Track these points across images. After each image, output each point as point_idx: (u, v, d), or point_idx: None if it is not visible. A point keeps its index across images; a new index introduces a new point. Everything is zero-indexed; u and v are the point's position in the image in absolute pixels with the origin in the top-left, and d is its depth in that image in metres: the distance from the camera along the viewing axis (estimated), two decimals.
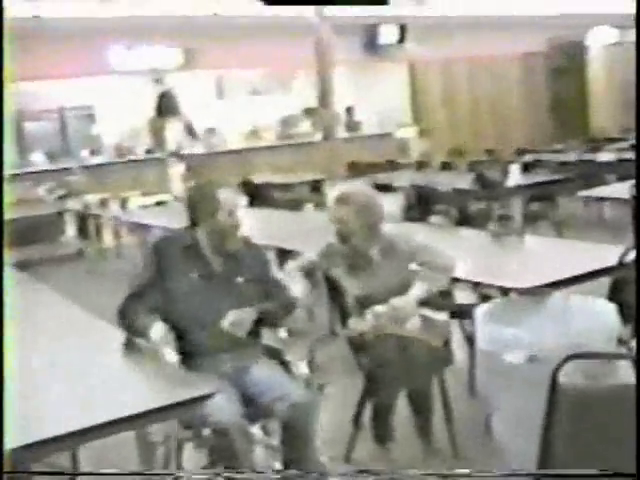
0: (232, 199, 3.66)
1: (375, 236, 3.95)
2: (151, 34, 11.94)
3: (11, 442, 2.40)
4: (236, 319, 3.44)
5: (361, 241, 3.92)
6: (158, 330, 3.32)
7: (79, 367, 3.23)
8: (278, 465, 3.36)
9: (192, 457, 3.35)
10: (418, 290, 3.79)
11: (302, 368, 3.57)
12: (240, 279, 3.61)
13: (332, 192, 4.01)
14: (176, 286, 3.52)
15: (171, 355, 3.27)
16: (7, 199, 10.55)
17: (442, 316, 3.79)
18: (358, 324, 3.82)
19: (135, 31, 11.68)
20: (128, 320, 3.42)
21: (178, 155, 11.47)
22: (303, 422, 3.29)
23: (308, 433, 3.31)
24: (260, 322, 3.58)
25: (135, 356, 3.33)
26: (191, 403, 2.81)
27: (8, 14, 9.45)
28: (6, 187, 10.73)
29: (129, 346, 3.37)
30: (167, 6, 10.89)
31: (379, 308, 3.77)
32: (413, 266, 3.94)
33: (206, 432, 3.20)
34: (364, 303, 3.85)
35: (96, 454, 3.52)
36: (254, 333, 3.56)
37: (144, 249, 3.70)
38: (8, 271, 5.89)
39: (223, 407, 3.14)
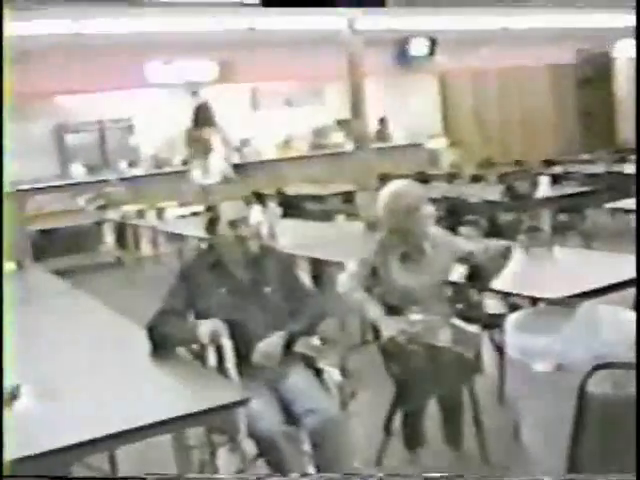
0: (233, 211, 3.69)
1: (426, 231, 3.98)
2: (188, 48, 12.04)
3: (46, 443, 2.44)
4: (265, 351, 3.46)
5: (415, 234, 3.95)
6: (208, 326, 3.36)
7: (117, 371, 3.28)
8: (312, 469, 3.37)
9: (227, 461, 3.38)
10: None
11: (335, 375, 3.59)
12: (268, 289, 3.64)
13: (387, 187, 4.02)
14: (207, 304, 3.55)
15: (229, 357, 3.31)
16: (48, 209, 10.76)
17: (474, 328, 3.79)
18: (391, 331, 3.81)
19: (172, 46, 11.77)
20: (163, 334, 3.46)
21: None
22: (333, 436, 3.29)
23: (338, 444, 3.31)
24: (291, 342, 3.60)
25: (170, 362, 3.37)
26: (228, 408, 2.85)
27: (50, 30, 9.61)
28: (48, 198, 10.92)
29: (157, 354, 3.42)
30: (204, 21, 10.97)
31: (415, 316, 3.79)
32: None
33: (241, 437, 3.23)
34: (409, 299, 3.86)
35: (134, 456, 3.58)
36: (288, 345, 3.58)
37: (173, 275, 3.72)
38: (49, 278, 6.00)
39: (264, 413, 3.18)
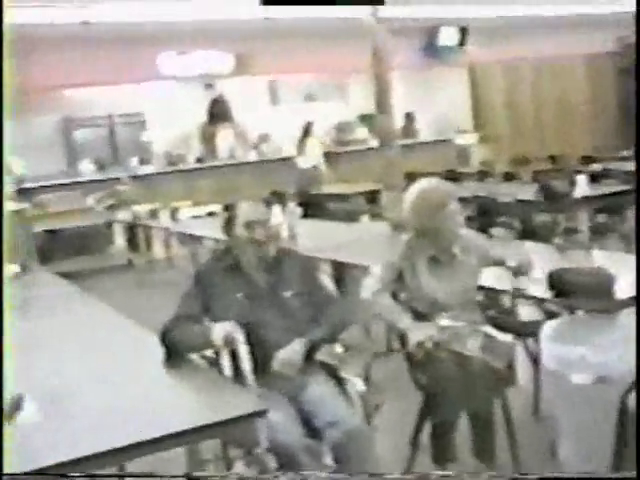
0: (253, 212, 3.68)
1: (456, 233, 3.96)
2: (202, 39, 12.07)
3: (54, 456, 2.44)
4: (285, 359, 3.46)
5: (445, 236, 3.92)
6: (222, 328, 3.36)
7: (128, 380, 3.29)
8: None
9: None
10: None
11: (358, 385, 3.58)
12: (287, 293, 3.64)
13: (414, 185, 3.99)
14: (223, 310, 3.55)
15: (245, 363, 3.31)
16: (55, 209, 10.82)
17: (506, 337, 3.75)
18: (419, 336, 3.78)
19: (186, 36, 11.81)
20: (175, 339, 3.47)
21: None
22: (356, 450, 3.27)
23: (361, 459, 3.28)
24: (312, 350, 3.60)
25: (184, 370, 3.38)
26: (245, 419, 2.84)
27: (54, 20, 9.66)
28: (55, 196, 10.98)
29: (171, 362, 3.42)
30: (218, 10, 10.99)
31: (444, 321, 3.76)
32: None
33: (259, 450, 3.22)
34: (437, 306, 3.85)
35: (144, 471, 3.58)
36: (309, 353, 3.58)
37: (189, 279, 3.73)
38: (57, 281, 6.03)
39: (283, 425, 3.17)
